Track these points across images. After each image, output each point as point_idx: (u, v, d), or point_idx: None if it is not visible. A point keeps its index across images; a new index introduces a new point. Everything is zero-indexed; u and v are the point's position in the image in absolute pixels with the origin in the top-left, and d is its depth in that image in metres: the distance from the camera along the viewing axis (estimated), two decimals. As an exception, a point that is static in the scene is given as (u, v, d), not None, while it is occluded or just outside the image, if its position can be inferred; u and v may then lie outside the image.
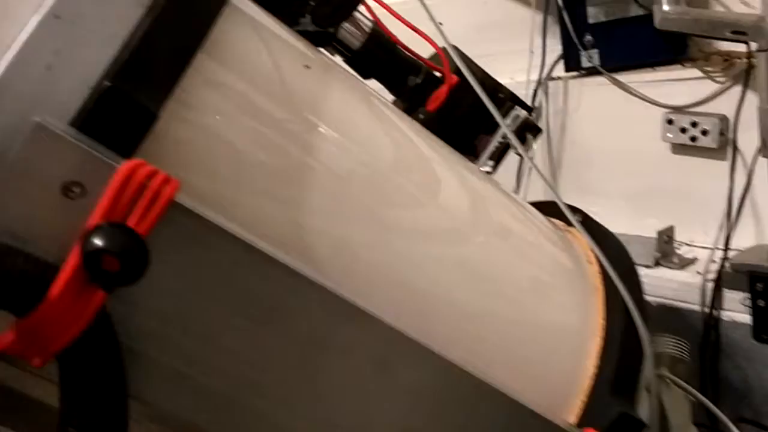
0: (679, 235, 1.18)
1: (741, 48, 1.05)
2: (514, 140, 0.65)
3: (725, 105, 1.11)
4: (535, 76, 1.35)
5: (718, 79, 1.13)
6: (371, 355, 0.37)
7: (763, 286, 1.00)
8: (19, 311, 0.32)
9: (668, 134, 1.20)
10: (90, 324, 0.32)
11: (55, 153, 0.32)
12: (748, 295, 1.02)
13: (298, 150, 0.43)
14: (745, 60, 1.05)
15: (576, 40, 1.28)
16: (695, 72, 1.15)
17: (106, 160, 0.33)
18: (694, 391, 0.72)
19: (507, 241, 0.54)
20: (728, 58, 1.11)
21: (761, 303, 1.00)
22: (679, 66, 1.18)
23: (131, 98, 0.33)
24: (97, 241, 0.31)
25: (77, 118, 0.33)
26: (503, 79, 0.79)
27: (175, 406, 0.37)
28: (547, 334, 0.50)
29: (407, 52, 0.67)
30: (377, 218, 0.45)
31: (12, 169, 0.31)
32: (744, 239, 1.10)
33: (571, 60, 1.32)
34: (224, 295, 0.35)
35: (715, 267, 1.08)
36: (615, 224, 0.75)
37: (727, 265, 1.06)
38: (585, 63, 1.30)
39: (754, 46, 0.99)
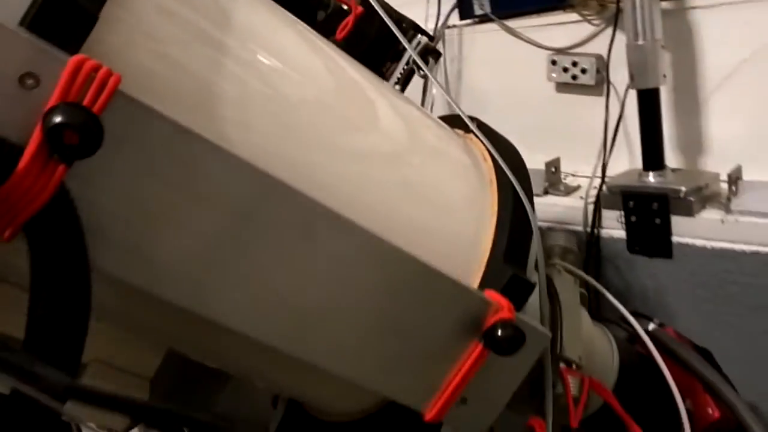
0: (564, 167, 1.30)
1: (610, -8, 1.17)
2: (420, 62, 0.72)
3: (600, 45, 1.24)
4: (431, 25, 1.43)
5: (594, 22, 1.25)
6: (296, 227, 0.44)
7: (634, 203, 1.14)
8: None
9: (552, 74, 1.32)
10: (53, 195, 0.37)
11: (11, 48, 0.36)
12: (622, 212, 1.15)
13: (248, 75, 0.48)
14: (614, 4, 1.17)
15: (468, -11, 1.37)
16: (574, 16, 1.27)
17: (56, 53, 0.37)
18: (582, 273, 0.83)
19: (421, 137, 0.62)
20: (602, 2, 1.23)
21: (633, 218, 1.14)
22: (560, 11, 1.29)
23: (73, 1, 0.38)
24: (58, 118, 0.36)
25: (25, 19, 0.38)
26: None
27: (127, 274, 0.42)
28: (452, 213, 0.58)
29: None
30: (324, 142, 0.51)
31: None
32: (619, 165, 1.24)
33: (464, 8, 1.42)
34: (163, 174, 0.41)
35: (594, 192, 1.21)
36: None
37: (604, 188, 1.19)
38: (477, 11, 1.40)
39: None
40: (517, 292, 0.53)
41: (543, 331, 0.55)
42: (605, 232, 1.19)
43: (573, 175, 1.33)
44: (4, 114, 0.37)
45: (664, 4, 1.13)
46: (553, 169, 1.28)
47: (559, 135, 1.34)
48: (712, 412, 0.90)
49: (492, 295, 0.51)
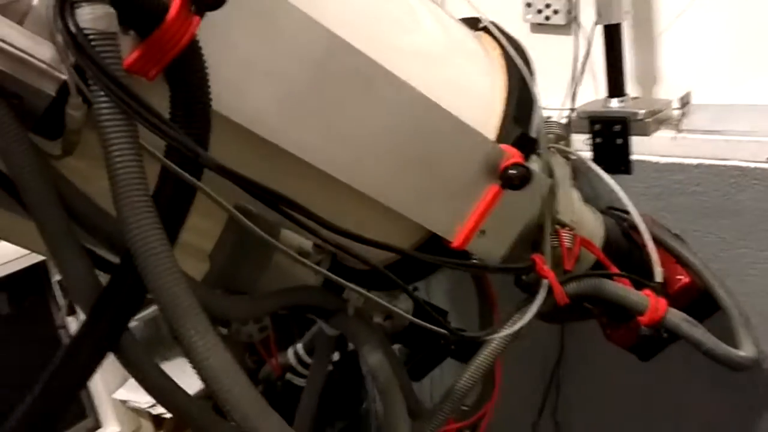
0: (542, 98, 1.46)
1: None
2: None
3: (571, -12, 1.39)
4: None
5: (565, -33, 1.40)
6: (360, 78, 0.58)
7: (599, 126, 1.30)
8: (145, 32, 0.49)
9: (528, 15, 1.47)
10: (188, 42, 0.50)
11: None
12: (589, 135, 1.31)
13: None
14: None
15: (451, -61, 1.50)
16: (547, -38, 1.41)
17: None
18: (574, 152, 0.98)
19: (450, 31, 0.77)
20: (572, -50, 1.38)
21: (598, 140, 1.31)
22: (534, -43, 1.44)
23: None
24: None
25: None
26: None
27: (232, 112, 0.55)
28: (475, 87, 0.73)
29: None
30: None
31: None
32: (586, 96, 1.40)
33: (447, -43, 1.55)
34: (263, 31, 0.54)
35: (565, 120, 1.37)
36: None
37: (574, 114, 1.35)
38: (459, -42, 1.54)
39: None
40: (525, 145, 0.68)
41: (545, 178, 0.70)
42: (574, 154, 1.35)
43: (545, 108, 1.49)
44: None
45: (625, -50, 1.28)
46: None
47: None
48: (683, 277, 1.07)
49: (506, 147, 0.66)
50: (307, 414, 0.94)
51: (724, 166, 1.19)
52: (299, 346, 1.20)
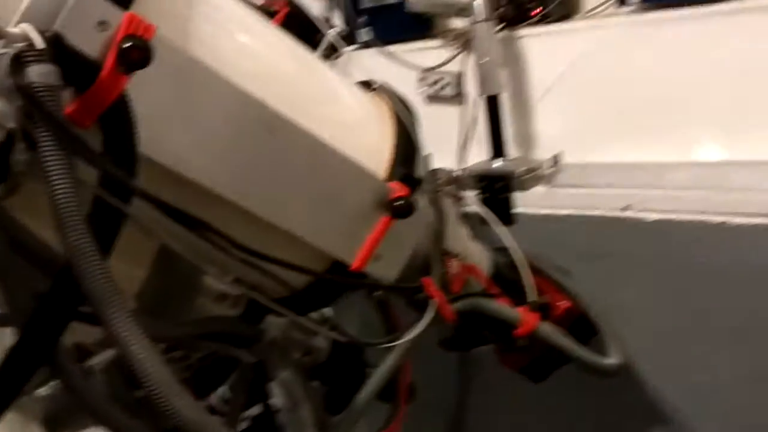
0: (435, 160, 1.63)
1: (464, 23, 1.52)
2: (336, 42, 1.02)
3: (458, 64, 1.59)
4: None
5: (452, 46, 1.60)
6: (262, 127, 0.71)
7: (485, 183, 1.47)
8: (82, 88, 0.60)
9: (422, 88, 1.65)
10: (119, 96, 0.61)
11: (93, 6, 0.60)
12: (478, 191, 1.48)
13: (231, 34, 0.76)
14: (466, 32, 1.52)
15: (353, 21, 1.69)
16: (438, 42, 1.62)
17: (119, 8, 0.62)
18: (464, 195, 1.12)
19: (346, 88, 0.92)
20: (458, 32, 1.58)
21: (485, 195, 1.47)
22: (427, 38, 1.64)
23: None
24: (128, 43, 0.60)
25: None
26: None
27: (157, 154, 0.66)
28: (369, 138, 0.86)
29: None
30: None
31: (71, 15, 0.60)
32: (475, 157, 1.58)
33: (352, 36, 1.74)
34: (180, 86, 0.66)
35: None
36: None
37: (464, 174, 1.52)
38: (361, 38, 1.72)
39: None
40: (409, 182, 0.81)
41: (427, 209, 0.84)
42: (465, 210, 1.51)
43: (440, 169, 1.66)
44: (90, 46, 0.60)
45: (501, 34, 1.50)
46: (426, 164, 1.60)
47: (429, 137, 1.66)
48: (564, 302, 1.18)
49: (393, 184, 0.80)
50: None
51: (590, 215, 1.37)
52: (224, 389, 1.25)
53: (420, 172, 0.88)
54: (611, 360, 1.09)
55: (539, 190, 1.44)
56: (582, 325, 1.21)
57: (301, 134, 0.74)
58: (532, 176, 1.45)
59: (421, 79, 1.65)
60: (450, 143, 1.61)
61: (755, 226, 1.21)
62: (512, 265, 1.21)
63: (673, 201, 1.28)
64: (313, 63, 0.91)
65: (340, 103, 0.89)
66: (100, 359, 1.13)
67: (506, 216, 1.46)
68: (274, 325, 0.99)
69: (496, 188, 1.45)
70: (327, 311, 1.12)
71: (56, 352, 0.63)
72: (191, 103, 0.68)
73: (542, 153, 1.54)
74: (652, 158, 1.39)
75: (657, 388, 1.41)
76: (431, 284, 0.90)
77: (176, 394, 0.55)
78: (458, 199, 1.14)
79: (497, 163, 1.49)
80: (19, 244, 0.63)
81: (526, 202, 1.44)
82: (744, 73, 1.32)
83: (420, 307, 0.93)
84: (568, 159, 1.46)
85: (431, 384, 1.50)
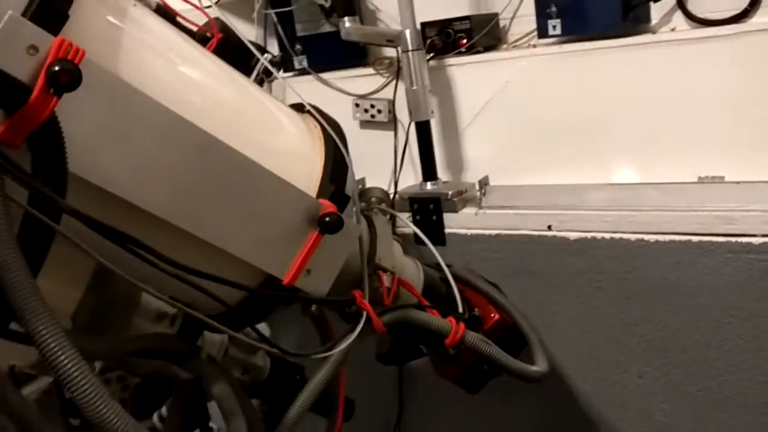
0: (369, 184, 1.67)
1: (394, 53, 1.59)
2: (270, 67, 1.05)
3: (390, 91, 1.65)
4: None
5: (385, 74, 1.66)
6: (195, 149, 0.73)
7: (417, 205, 1.52)
8: (11, 110, 0.62)
9: (357, 114, 1.70)
10: (48, 118, 0.63)
11: (21, 30, 0.62)
12: (410, 213, 1.53)
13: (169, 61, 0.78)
14: (397, 62, 1.58)
15: (289, 49, 1.74)
16: (371, 70, 1.67)
17: (47, 34, 0.64)
18: (394, 212, 1.16)
19: (278, 110, 0.95)
20: (389, 61, 1.64)
21: (417, 217, 1.52)
22: (361, 66, 1.69)
23: (51, 5, 0.65)
24: (57, 67, 0.62)
25: (26, 12, 0.64)
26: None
27: (85, 173, 0.68)
28: (299, 157, 0.88)
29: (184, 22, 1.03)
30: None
31: (1, 39, 0.62)
32: (408, 180, 1.63)
33: (287, 63, 1.78)
34: (108, 109, 0.68)
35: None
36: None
37: (397, 197, 1.57)
38: (297, 65, 1.77)
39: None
40: (339, 199, 0.85)
41: (355, 225, 0.88)
42: (399, 230, 1.56)
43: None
44: (20, 69, 0.62)
45: (431, 63, 1.56)
46: (361, 187, 1.65)
47: (364, 161, 1.70)
48: (494, 315, 1.24)
49: (323, 201, 0.83)
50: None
51: (516, 235, 1.44)
52: (164, 409, 1.25)
53: (349, 189, 0.92)
54: (536, 368, 1.14)
55: (469, 211, 1.49)
56: (513, 336, 1.26)
57: (232, 155, 0.77)
58: (461, 198, 1.51)
59: (356, 106, 1.70)
60: (384, 167, 1.66)
61: (669, 242, 1.30)
62: (445, 281, 1.26)
63: (592, 220, 1.36)
64: (246, 86, 0.95)
65: (272, 124, 0.93)
66: (34, 387, 1.12)
67: (439, 236, 1.51)
68: (210, 341, 1.01)
69: (428, 210, 1.51)
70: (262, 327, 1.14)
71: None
72: (122, 124, 0.70)
73: (471, 176, 1.60)
74: (572, 180, 1.47)
75: (578, 392, 1.48)
76: (361, 297, 0.93)
77: (104, 402, 0.57)
78: (390, 216, 1.18)
79: (428, 186, 1.54)
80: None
81: (456, 222, 1.50)
82: (655, 102, 1.42)
83: (353, 320, 0.96)
84: (494, 182, 1.53)
85: (373, 400, 1.53)
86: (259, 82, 1.13)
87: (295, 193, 0.83)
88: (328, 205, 0.84)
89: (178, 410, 1.03)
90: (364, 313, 0.94)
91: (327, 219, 0.82)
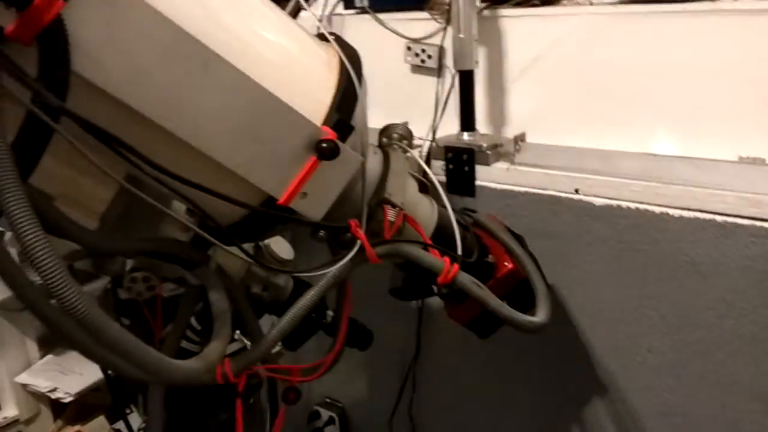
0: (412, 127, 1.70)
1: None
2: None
3: (441, 38, 1.65)
4: (320, 11, 1.82)
5: (439, 20, 1.65)
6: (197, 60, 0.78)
7: (451, 155, 1.54)
8: (21, 6, 0.69)
9: (408, 57, 1.72)
10: (55, 17, 0.69)
11: None
12: (444, 162, 1.55)
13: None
14: (447, 7, 1.57)
15: (351, -14, 1.76)
16: (426, 15, 1.67)
17: None
18: (411, 152, 1.19)
19: (296, 32, 0.96)
20: (447, 5, 1.64)
21: (450, 166, 1.54)
22: (416, 11, 1.70)
23: None
24: None
25: None
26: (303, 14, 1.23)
27: (89, 74, 0.75)
28: (309, 77, 0.91)
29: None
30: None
31: None
32: (449, 129, 1.65)
33: (348, 1, 1.80)
34: (109, 10, 0.73)
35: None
36: (377, 124, 1.17)
37: (434, 144, 1.59)
38: (358, 3, 1.79)
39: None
40: (341, 129, 0.86)
41: (356, 155, 0.89)
42: (433, 178, 1.58)
43: (418, 138, 1.73)
44: None
45: (484, 12, 1.55)
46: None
47: (410, 105, 1.73)
48: (508, 264, 1.25)
49: (324, 128, 0.85)
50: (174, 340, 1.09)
51: (543, 194, 1.44)
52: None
53: (357, 120, 0.95)
54: (531, 318, 1.14)
55: (501, 165, 1.50)
56: (527, 290, 1.25)
57: (236, 74, 0.80)
58: (495, 152, 1.51)
59: (408, 49, 1.71)
60: (430, 113, 1.68)
61: (694, 220, 1.27)
62: (467, 228, 1.27)
63: (619, 188, 1.34)
64: (260, 7, 0.95)
65: (284, 47, 0.94)
66: (94, 286, 1.22)
67: (469, 187, 1.53)
68: (224, 254, 1.08)
69: (462, 161, 1.52)
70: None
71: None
72: (126, 32, 0.74)
73: (509, 131, 1.60)
74: (609, 146, 1.44)
75: (586, 356, 1.49)
76: (356, 225, 0.97)
77: (68, 284, 0.64)
78: (407, 152, 1.18)
79: (465, 137, 1.55)
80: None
81: (488, 176, 1.51)
82: (706, 74, 1.36)
83: (345, 247, 0.99)
84: (531, 139, 1.52)
85: (391, 337, 1.58)
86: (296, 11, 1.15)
87: (296, 118, 0.85)
88: (328, 133, 0.86)
89: (185, 315, 1.12)
90: (358, 241, 0.96)
91: (324, 145, 0.85)
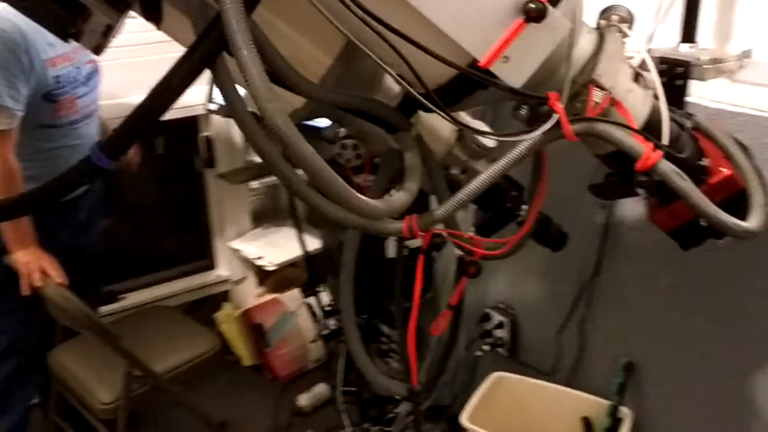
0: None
1: None
2: None
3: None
4: None
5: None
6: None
7: (665, 66, 1.46)
8: None
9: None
10: None
11: None
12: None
13: None
14: None
15: None
16: None
17: None
18: (628, 32, 1.08)
19: None
20: None
21: (663, 79, 1.47)
22: None
23: None
24: None
25: None
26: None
27: None
28: None
29: None
30: None
31: None
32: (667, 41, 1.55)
33: None
34: None
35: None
36: None
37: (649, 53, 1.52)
38: None
39: None
40: None
41: (564, 22, 0.87)
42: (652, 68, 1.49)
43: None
44: None
45: None
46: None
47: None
48: (725, 170, 1.12)
49: None
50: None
51: (763, 117, 1.33)
52: None
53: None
54: (742, 222, 1.05)
55: (719, 82, 1.41)
56: (738, 201, 1.14)
57: None
58: (714, 67, 1.42)
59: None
60: (647, 22, 1.59)
61: None
62: (680, 125, 1.16)
63: None
64: None
65: None
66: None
67: (678, 102, 1.45)
68: (428, 127, 1.11)
69: (675, 74, 1.44)
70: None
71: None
72: None
73: (733, 46, 1.48)
74: None
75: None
76: (556, 98, 0.94)
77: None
78: (627, 36, 1.09)
79: (683, 48, 1.46)
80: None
81: (701, 92, 1.42)
82: None
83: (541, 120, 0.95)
84: (758, 57, 1.40)
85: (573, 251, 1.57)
86: None
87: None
88: None
89: (384, 176, 1.14)
90: (555, 115, 0.94)
91: (531, 5, 0.82)
